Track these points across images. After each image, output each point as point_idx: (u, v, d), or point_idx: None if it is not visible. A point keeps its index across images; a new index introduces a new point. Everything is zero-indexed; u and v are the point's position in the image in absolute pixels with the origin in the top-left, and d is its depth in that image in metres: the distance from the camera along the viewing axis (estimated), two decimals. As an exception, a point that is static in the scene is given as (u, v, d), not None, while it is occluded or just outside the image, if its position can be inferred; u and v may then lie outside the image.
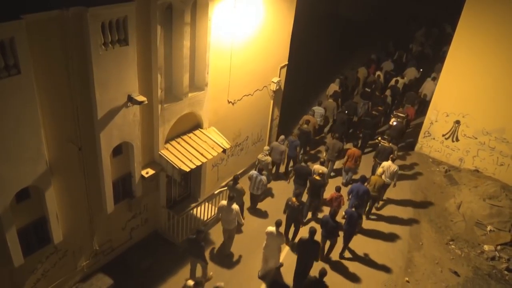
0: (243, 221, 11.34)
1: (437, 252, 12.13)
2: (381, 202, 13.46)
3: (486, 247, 12.36)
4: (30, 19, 6.42)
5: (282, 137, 13.56)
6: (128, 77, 8.24)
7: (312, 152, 15.55)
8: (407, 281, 11.09)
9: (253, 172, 12.03)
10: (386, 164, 12.75)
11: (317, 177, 11.77)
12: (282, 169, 14.24)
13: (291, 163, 14.07)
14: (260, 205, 12.78)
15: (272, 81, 13.48)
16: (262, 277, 10.47)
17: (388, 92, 17.55)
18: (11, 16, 6.19)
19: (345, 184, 11.88)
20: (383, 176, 12.47)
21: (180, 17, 9.11)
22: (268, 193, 13.35)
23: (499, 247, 12.39)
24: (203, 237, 9.48)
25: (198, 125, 11.02)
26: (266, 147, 13.00)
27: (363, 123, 15.76)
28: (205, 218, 11.68)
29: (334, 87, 17.34)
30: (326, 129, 16.58)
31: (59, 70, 7.30)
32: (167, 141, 10.21)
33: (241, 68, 11.71)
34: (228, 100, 11.88)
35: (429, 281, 11.19)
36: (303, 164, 12.44)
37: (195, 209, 11.46)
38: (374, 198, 12.56)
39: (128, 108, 8.52)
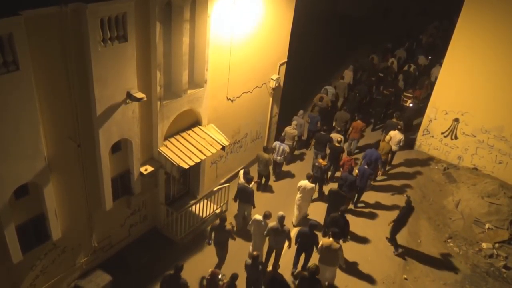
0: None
1: (436, 249, 12.16)
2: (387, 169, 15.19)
3: (484, 245, 12.39)
4: (29, 15, 6.40)
5: (301, 111, 14.91)
6: (127, 74, 8.22)
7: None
8: (405, 279, 11.12)
9: (277, 142, 13.53)
10: (393, 133, 14.48)
11: (337, 144, 13.53)
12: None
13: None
14: (288, 168, 14.72)
15: (271, 79, 13.47)
16: (297, 225, 11.97)
17: (400, 77, 19.05)
18: (10, 12, 6.18)
19: (350, 154, 13.73)
20: (390, 143, 14.24)
21: (179, 14, 9.08)
22: (294, 159, 15.22)
23: (497, 245, 12.42)
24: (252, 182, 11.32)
25: (197, 122, 11.01)
26: (295, 122, 14.45)
27: (375, 101, 17.67)
28: (204, 215, 11.69)
29: (348, 73, 18.55)
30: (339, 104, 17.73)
31: (58, 67, 7.29)
32: (166, 138, 10.20)
33: (240, 65, 11.69)
34: (227, 97, 11.87)
35: (427, 278, 11.22)
36: (322, 132, 14.10)
37: (194, 206, 11.46)
38: (383, 162, 14.23)
39: (127, 105, 8.50)
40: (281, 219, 9.89)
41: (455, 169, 15.50)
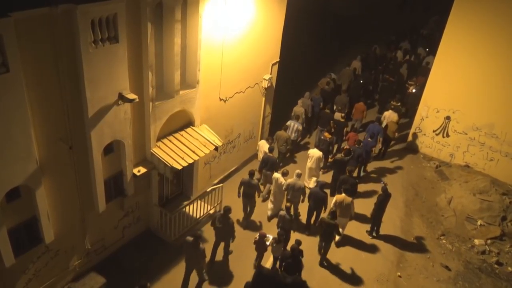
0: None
1: (429, 246, 12.24)
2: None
3: (476, 242, 12.50)
4: (19, 16, 6.36)
5: (307, 93, 16.28)
6: (118, 75, 8.18)
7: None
8: (399, 276, 11.18)
9: (290, 121, 14.72)
10: (387, 113, 16.06)
11: (342, 119, 14.98)
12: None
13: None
14: (301, 143, 16.47)
15: (264, 78, 13.49)
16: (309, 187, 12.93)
17: (404, 66, 20.33)
18: (-1, 14, 6.13)
19: (355, 130, 15.53)
20: (385, 121, 15.69)
21: (170, 14, 9.07)
22: (305, 134, 16.79)
23: (489, 241, 12.53)
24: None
25: (189, 123, 10.99)
26: (300, 101, 15.79)
27: (381, 88, 19.13)
28: (198, 216, 11.67)
29: (356, 63, 19.84)
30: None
31: (48, 68, 7.24)
32: (159, 139, 10.17)
33: (232, 65, 11.69)
34: (219, 98, 11.86)
35: (421, 275, 11.30)
36: (326, 111, 15.85)
37: (187, 207, 11.44)
38: (388, 140, 15.56)
39: (119, 106, 8.46)
40: (298, 175, 11.73)
41: (447, 166, 15.61)
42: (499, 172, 14.85)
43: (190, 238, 9.28)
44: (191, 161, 10.13)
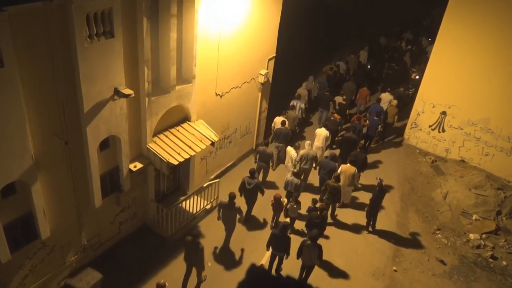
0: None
1: (424, 241, 12.31)
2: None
3: (471, 236, 12.58)
4: (13, 11, 6.29)
5: (311, 77, 17.70)
6: (114, 70, 8.14)
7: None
8: (395, 271, 11.25)
9: (294, 101, 15.79)
10: (384, 94, 17.06)
11: (343, 102, 16.23)
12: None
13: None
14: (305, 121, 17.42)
15: (260, 73, 13.45)
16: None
17: (408, 55, 21.46)
18: (-7, 8, 6.07)
19: (360, 113, 16.47)
20: (381, 103, 16.43)
21: (166, 9, 9.01)
22: (309, 113, 17.83)
23: (484, 236, 12.62)
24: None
25: (186, 118, 10.96)
26: (305, 84, 17.19)
27: (386, 75, 20.43)
28: (194, 211, 11.67)
29: (363, 53, 21.23)
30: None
31: (43, 63, 7.19)
32: (155, 134, 10.14)
33: (228, 60, 11.65)
34: (216, 93, 11.83)
35: (417, 270, 11.36)
36: (326, 93, 16.76)
37: (184, 202, 11.44)
38: (387, 124, 16.33)
39: (114, 101, 8.42)
40: (310, 145, 12.99)
41: (442, 161, 15.67)
42: (494, 166, 14.93)
43: (225, 201, 10.51)
44: (187, 156, 10.11)
